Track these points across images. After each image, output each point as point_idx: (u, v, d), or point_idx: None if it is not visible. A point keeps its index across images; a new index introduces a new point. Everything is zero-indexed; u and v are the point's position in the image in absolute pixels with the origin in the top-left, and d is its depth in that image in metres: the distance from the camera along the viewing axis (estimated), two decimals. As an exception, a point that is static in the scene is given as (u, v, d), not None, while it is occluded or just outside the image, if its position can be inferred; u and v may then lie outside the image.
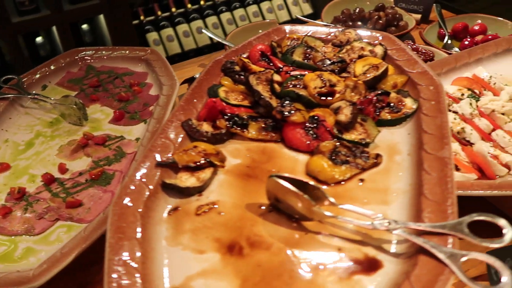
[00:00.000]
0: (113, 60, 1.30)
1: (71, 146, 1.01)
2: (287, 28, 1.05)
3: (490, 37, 1.43)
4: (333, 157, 0.72)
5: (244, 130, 0.78)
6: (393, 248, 0.60)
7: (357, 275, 0.57)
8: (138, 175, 0.67)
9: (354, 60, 0.93)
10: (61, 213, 0.85)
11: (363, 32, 1.03)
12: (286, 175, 0.63)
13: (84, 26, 3.20)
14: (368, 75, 0.86)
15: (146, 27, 3.23)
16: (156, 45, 3.20)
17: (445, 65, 1.20)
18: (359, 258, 0.59)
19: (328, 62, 0.90)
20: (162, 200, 0.67)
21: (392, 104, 0.81)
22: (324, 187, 0.70)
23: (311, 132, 0.76)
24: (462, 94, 1.10)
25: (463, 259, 0.54)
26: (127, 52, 1.32)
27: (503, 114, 1.03)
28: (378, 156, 0.73)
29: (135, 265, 0.56)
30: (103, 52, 1.31)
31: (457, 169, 0.92)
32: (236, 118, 0.78)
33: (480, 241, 0.57)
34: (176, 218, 0.65)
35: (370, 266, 0.58)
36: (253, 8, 3.52)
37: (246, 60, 0.91)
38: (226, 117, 0.78)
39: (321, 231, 0.63)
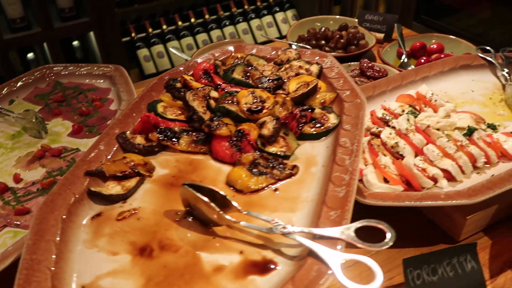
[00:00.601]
0: (80, 76, 1.37)
1: (28, 157, 1.07)
2: (232, 48, 1.11)
3: (442, 56, 1.49)
4: (252, 168, 0.78)
5: (175, 142, 0.83)
6: (288, 252, 0.65)
7: (252, 275, 0.62)
8: (66, 183, 0.73)
9: (291, 77, 0.99)
10: (9, 220, 0.91)
11: (306, 51, 1.09)
12: (197, 184, 0.69)
13: (75, 43, 3.30)
14: (297, 92, 0.92)
15: (137, 44, 3.32)
16: (146, 61, 3.30)
17: (391, 82, 1.26)
18: (257, 260, 0.64)
19: (265, 80, 0.96)
20: (87, 206, 0.73)
21: (316, 119, 0.87)
22: (240, 195, 0.75)
23: (235, 144, 0.82)
24: (403, 111, 1.15)
25: (343, 261, 0.59)
26: (94, 68, 1.39)
27: (438, 129, 1.09)
28: (294, 167, 0.79)
29: (48, 265, 0.61)
30: (71, 68, 1.38)
31: (386, 181, 0.97)
32: (168, 132, 0.84)
33: (365, 245, 0.62)
34: (97, 223, 0.71)
35: (265, 267, 0.63)
36: (242, 26, 3.61)
37: (188, 77, 0.97)
38: (158, 130, 0.84)
39: (228, 236, 0.68)
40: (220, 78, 1.00)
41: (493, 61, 1.33)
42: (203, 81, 0.99)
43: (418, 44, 1.59)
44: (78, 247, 0.67)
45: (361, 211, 1.01)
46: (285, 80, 0.98)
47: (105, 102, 1.26)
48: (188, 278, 0.62)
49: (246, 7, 3.62)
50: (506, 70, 1.29)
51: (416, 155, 1.03)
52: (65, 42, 3.20)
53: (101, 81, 1.35)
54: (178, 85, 0.96)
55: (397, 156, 1.03)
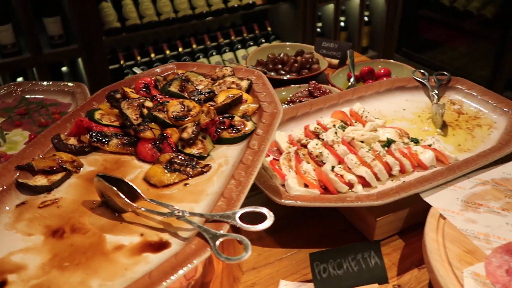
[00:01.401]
0: (44, 92, 1.48)
1: (-16, 162, 1.16)
2: (174, 65, 1.22)
3: (384, 78, 1.60)
4: (168, 166, 0.87)
5: (104, 144, 0.93)
6: (182, 234, 0.73)
7: (147, 253, 0.70)
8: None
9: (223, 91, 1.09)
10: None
11: (241, 69, 1.20)
12: (109, 175, 0.78)
13: (64, 68, 3.45)
14: (222, 103, 1.02)
15: (125, 71, 3.47)
16: (133, 87, 3.42)
17: (328, 100, 1.36)
18: (154, 241, 0.73)
19: (198, 92, 1.07)
20: (14, 196, 0.82)
21: (234, 126, 0.97)
22: (154, 189, 0.84)
23: (157, 146, 0.92)
24: (334, 125, 1.25)
25: (222, 239, 0.68)
26: (60, 84, 1.50)
27: (362, 142, 1.18)
28: (206, 166, 0.88)
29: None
30: (37, 85, 1.50)
31: (306, 186, 1.06)
32: (98, 134, 0.94)
33: (246, 227, 0.70)
34: (20, 210, 0.80)
35: (160, 246, 0.72)
36: (228, 55, 3.76)
37: (128, 89, 1.08)
38: (90, 132, 0.94)
39: (133, 221, 0.77)
40: (158, 91, 1.10)
41: (426, 83, 1.43)
42: (142, 93, 1.09)
43: (366, 68, 1.71)
44: (7, 216, 0.75)
45: (285, 215, 1.10)
46: (217, 93, 1.08)
47: (64, 115, 1.36)
48: (89, 255, 0.70)
49: (233, 37, 3.80)
50: (436, 91, 1.39)
51: (338, 164, 1.12)
52: (54, 67, 3.35)
53: (66, 97, 1.46)
54: (118, 96, 1.06)
55: (320, 164, 1.12)
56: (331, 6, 4.03)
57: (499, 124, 1.28)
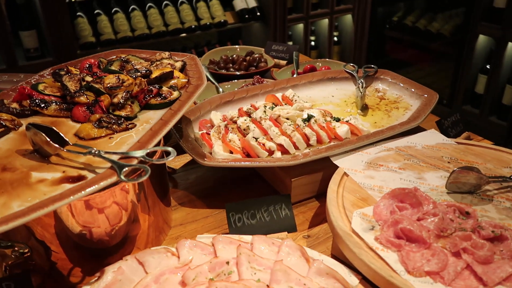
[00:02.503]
0: (4, 83, 1.59)
1: None
2: (118, 51, 1.36)
3: (321, 73, 1.75)
4: (97, 124, 0.99)
5: (43, 108, 1.05)
6: (98, 170, 0.85)
7: (65, 183, 0.82)
8: None
9: (158, 70, 1.23)
10: None
11: (180, 55, 1.33)
12: (38, 123, 0.90)
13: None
14: (153, 76, 1.15)
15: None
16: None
17: (264, 87, 1.50)
18: (73, 175, 0.84)
19: (134, 70, 1.19)
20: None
21: (163, 95, 1.09)
22: (82, 141, 0.96)
23: (89, 109, 1.04)
24: (265, 106, 1.38)
25: (126, 168, 0.79)
26: (21, 76, 1.62)
27: (288, 119, 1.32)
28: (130, 124, 1.00)
29: None
30: (14, 77, 1.62)
31: (231, 152, 1.18)
32: (38, 100, 1.05)
33: (150, 160, 0.82)
34: (-40, 155, 0.91)
35: (78, 179, 0.83)
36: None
37: (72, 68, 1.20)
38: (31, 98, 1.06)
39: (59, 163, 0.88)
40: (100, 70, 1.23)
41: (354, 74, 1.59)
42: (85, 71, 1.22)
43: (308, 66, 1.86)
44: None
45: (214, 183, 1.22)
46: (152, 72, 1.21)
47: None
48: (16, 185, 0.81)
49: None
50: (362, 80, 1.54)
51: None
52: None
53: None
54: (62, 72, 1.19)
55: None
56: (300, 26, 4.24)
57: (414, 106, 1.43)
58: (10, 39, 3.00)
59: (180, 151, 1.37)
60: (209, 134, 1.26)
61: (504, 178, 1.05)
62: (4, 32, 2.95)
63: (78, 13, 3.29)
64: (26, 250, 0.86)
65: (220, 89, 1.67)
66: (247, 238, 0.94)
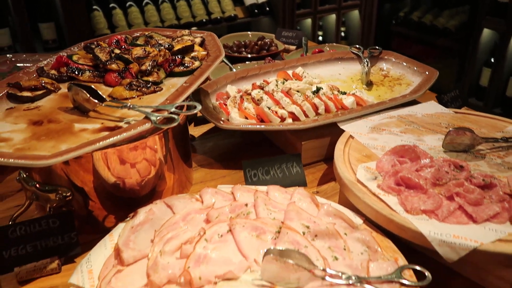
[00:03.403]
0: (35, 62, 1.72)
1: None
2: (141, 29, 1.48)
3: (329, 55, 1.85)
4: (128, 87, 1.11)
5: (78, 75, 1.17)
6: (133, 121, 0.96)
7: (104, 132, 0.93)
8: (-8, 88, 1.06)
9: (180, 45, 1.34)
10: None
11: (200, 34, 1.45)
12: (80, 83, 1.01)
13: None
14: (176, 48, 1.26)
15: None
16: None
17: (275, 65, 1.61)
18: (110, 126, 0.95)
19: (157, 44, 1.31)
20: (5, 103, 1.05)
21: (185, 64, 1.21)
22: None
23: (121, 75, 1.15)
24: (277, 81, 1.49)
25: (158, 116, 0.91)
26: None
27: (298, 91, 1.42)
28: (157, 87, 1.11)
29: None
30: (30, 56, 1.74)
31: (246, 118, 1.29)
32: (74, 68, 1.17)
33: (181, 112, 0.94)
34: (10, 111, 1.03)
35: (115, 128, 0.94)
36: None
37: (102, 42, 1.32)
38: (68, 66, 1.18)
39: (97, 117, 1.00)
40: (127, 45, 1.35)
41: (360, 54, 1.69)
42: (113, 45, 1.34)
43: (317, 50, 1.96)
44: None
45: (231, 148, 1.33)
46: (174, 46, 1.33)
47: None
48: (61, 133, 0.93)
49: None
50: (367, 60, 1.64)
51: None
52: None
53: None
54: (93, 46, 1.31)
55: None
56: (308, 21, 4.35)
57: (415, 82, 1.53)
58: (29, 31, 3.13)
59: (197, 122, 1.49)
60: (226, 104, 1.37)
61: (496, 139, 1.15)
62: (23, 24, 3.09)
63: (94, 7, 3.42)
64: (68, 194, 0.97)
65: (234, 70, 1.78)
66: (263, 188, 1.05)
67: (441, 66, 5.11)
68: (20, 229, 0.91)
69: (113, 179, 0.99)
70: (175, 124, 0.89)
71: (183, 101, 1.00)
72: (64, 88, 1.14)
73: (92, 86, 1.01)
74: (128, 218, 0.96)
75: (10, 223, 0.96)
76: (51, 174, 0.96)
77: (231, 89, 1.44)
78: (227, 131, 1.47)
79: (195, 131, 1.47)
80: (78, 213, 1.02)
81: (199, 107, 0.95)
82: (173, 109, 0.94)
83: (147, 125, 0.89)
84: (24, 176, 0.99)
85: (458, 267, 0.91)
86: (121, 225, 0.94)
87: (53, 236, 0.93)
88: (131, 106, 0.96)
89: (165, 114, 0.93)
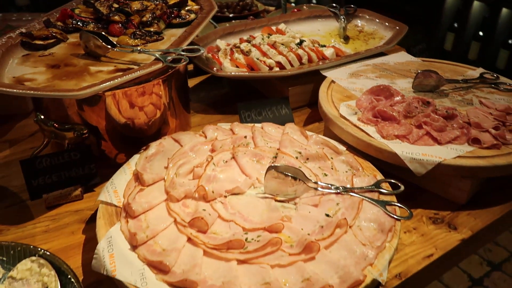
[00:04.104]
0: (27, 21, 1.77)
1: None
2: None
3: (307, 14, 1.98)
4: (132, 36, 1.21)
5: (83, 25, 1.26)
6: (143, 63, 1.07)
7: (119, 73, 1.04)
8: (6, 36, 1.14)
9: (175, 1, 1.44)
10: None
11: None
12: (91, 30, 1.11)
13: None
14: (171, 2, 1.37)
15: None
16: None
17: (259, 22, 1.73)
18: (123, 68, 1.06)
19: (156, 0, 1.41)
20: (20, 50, 1.14)
21: (182, 16, 1.32)
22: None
23: (124, 26, 1.25)
24: (262, 35, 1.62)
25: (169, 57, 1.02)
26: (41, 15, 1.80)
27: (282, 44, 1.55)
28: (159, 36, 1.22)
29: (-9, 63, 1.01)
30: (22, 15, 1.79)
31: (237, 67, 1.42)
32: (79, 20, 1.26)
33: (186, 54, 1.05)
34: (26, 57, 1.12)
35: (128, 69, 1.05)
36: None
37: (100, -3, 1.41)
38: (73, 18, 1.26)
39: (110, 61, 1.10)
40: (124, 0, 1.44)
41: (337, 12, 1.83)
42: (111, 1, 1.42)
43: (295, 9, 2.09)
44: (13, 63, 1.07)
45: (225, 97, 1.45)
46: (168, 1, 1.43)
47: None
48: (79, 74, 1.04)
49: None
50: (343, 17, 1.78)
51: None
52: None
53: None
54: (92, 1, 1.39)
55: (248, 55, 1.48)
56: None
57: (387, 36, 1.69)
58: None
59: (190, 75, 1.61)
60: (217, 56, 1.49)
61: (457, 80, 1.32)
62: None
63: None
64: (85, 131, 1.09)
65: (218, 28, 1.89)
66: (258, 124, 1.19)
67: (409, 32, 5.34)
68: (46, 161, 1.02)
69: (123, 120, 1.11)
70: (184, 63, 1.02)
71: (188, 45, 1.12)
72: (71, 38, 1.23)
73: (103, 33, 1.11)
74: (142, 151, 1.08)
75: (33, 157, 1.07)
76: (67, 116, 1.07)
77: (221, 43, 1.56)
78: (216, 83, 1.59)
79: (189, 82, 1.59)
80: (92, 153, 1.13)
81: (203, 50, 1.07)
82: (180, 52, 1.06)
83: (159, 65, 1.01)
84: (42, 117, 1.09)
85: (424, 183, 1.08)
86: (136, 156, 1.07)
87: (74, 167, 1.05)
88: (141, 50, 1.07)
89: (174, 56, 1.05)
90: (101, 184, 1.10)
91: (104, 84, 0.92)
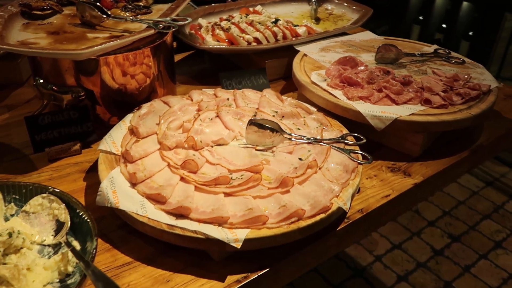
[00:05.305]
0: None
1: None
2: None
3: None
4: (123, 8, 1.33)
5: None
6: (138, 29, 1.19)
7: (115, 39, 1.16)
8: (7, 6, 1.24)
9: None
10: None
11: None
12: (86, 1, 1.23)
13: None
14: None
15: None
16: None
17: (237, 4, 1.87)
18: (118, 35, 1.18)
19: (140, -21, 1.52)
20: (20, 19, 1.24)
21: (168, -7, 1.44)
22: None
23: (115, 1, 1.37)
24: (241, 15, 1.75)
25: (161, 25, 1.15)
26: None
27: (259, 23, 1.69)
28: (148, 9, 1.34)
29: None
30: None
31: (218, 41, 1.55)
32: (72, -6, 1.37)
33: (176, 23, 1.18)
34: (27, 25, 1.22)
35: (122, 36, 1.17)
36: None
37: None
38: (66, -8, 1.37)
39: (104, 29, 1.22)
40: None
41: (309, -4, 1.98)
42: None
43: (270, -5, 2.23)
44: (15, 30, 1.17)
45: (208, 70, 1.57)
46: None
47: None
48: (79, 39, 1.15)
49: None
50: (315, 1, 1.94)
51: (241, 34, 1.62)
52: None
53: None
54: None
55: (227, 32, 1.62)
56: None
57: (354, 18, 1.85)
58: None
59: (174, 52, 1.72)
60: (200, 32, 1.62)
61: (414, 54, 1.49)
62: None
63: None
64: (82, 93, 1.20)
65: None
66: (238, 91, 1.33)
67: (373, 26, 5.57)
68: (48, 118, 1.13)
69: (116, 86, 1.22)
70: (174, 29, 1.14)
71: (176, 16, 1.25)
72: (66, 10, 1.34)
73: (97, 4, 1.22)
74: (135, 111, 1.20)
75: (36, 116, 1.17)
76: (64, 80, 1.18)
77: (202, 21, 1.69)
78: (197, 59, 1.72)
79: (172, 57, 1.71)
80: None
81: (189, 19, 1.20)
82: (169, 21, 1.18)
83: (152, 31, 1.13)
84: (41, 81, 1.20)
85: (382, 139, 1.24)
86: (129, 115, 1.19)
87: (73, 125, 1.17)
88: (133, 19, 1.19)
89: (164, 24, 1.18)
90: (97, 141, 1.21)
91: (107, 45, 1.04)
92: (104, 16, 1.21)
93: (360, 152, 1.08)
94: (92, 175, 1.10)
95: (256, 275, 0.86)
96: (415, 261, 2.55)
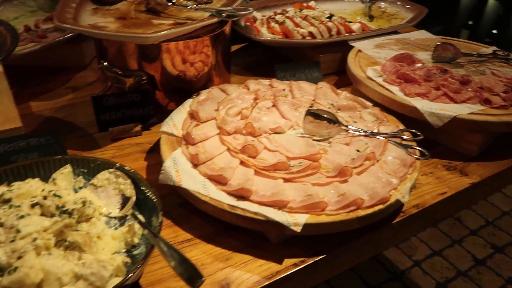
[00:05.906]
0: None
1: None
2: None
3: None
4: (186, -2, 1.37)
5: (142, -12, 1.41)
6: (199, 18, 1.23)
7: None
8: (77, -7, 1.30)
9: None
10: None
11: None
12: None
13: None
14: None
15: None
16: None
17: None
18: (181, 22, 1.22)
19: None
20: (89, 5, 1.30)
21: (228, -15, 1.47)
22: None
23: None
24: (294, 10, 1.76)
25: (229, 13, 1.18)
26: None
27: (313, 18, 1.70)
28: (209, 0, 1.38)
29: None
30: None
31: (273, 34, 1.57)
32: (138, -18, 1.42)
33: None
34: (95, 10, 1.28)
35: (185, 23, 1.21)
36: None
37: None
38: (132, -19, 1.42)
39: (168, 16, 1.26)
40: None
41: (363, -6, 1.98)
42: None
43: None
44: (86, 14, 1.23)
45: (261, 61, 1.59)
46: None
47: None
48: (145, 25, 1.20)
49: None
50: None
51: (296, 28, 1.64)
52: None
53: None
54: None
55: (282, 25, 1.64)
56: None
57: (408, 17, 1.83)
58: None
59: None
60: (254, 25, 1.64)
61: (472, 54, 1.47)
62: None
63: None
64: (144, 78, 1.24)
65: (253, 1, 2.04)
66: (294, 82, 1.34)
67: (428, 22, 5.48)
68: (112, 99, 1.18)
69: (176, 73, 1.26)
70: (237, 18, 1.17)
71: (238, 5, 1.27)
72: (130, -4, 1.39)
73: (164, -9, 1.27)
74: (194, 96, 1.24)
75: (100, 97, 1.22)
76: (127, 64, 1.22)
77: (257, 14, 1.71)
78: (251, 51, 1.74)
79: (226, 49, 1.74)
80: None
81: (251, 9, 1.23)
82: (231, 10, 1.21)
83: (215, 19, 1.16)
84: (105, 64, 1.25)
85: (439, 137, 1.23)
86: (188, 100, 1.22)
87: (135, 107, 1.21)
88: (197, 7, 1.23)
89: (227, 13, 1.20)
90: (157, 124, 1.25)
91: (173, 30, 1.08)
92: (170, 3, 1.25)
93: (418, 148, 1.07)
94: (151, 156, 1.14)
95: (313, 260, 0.87)
96: (456, 269, 2.49)
